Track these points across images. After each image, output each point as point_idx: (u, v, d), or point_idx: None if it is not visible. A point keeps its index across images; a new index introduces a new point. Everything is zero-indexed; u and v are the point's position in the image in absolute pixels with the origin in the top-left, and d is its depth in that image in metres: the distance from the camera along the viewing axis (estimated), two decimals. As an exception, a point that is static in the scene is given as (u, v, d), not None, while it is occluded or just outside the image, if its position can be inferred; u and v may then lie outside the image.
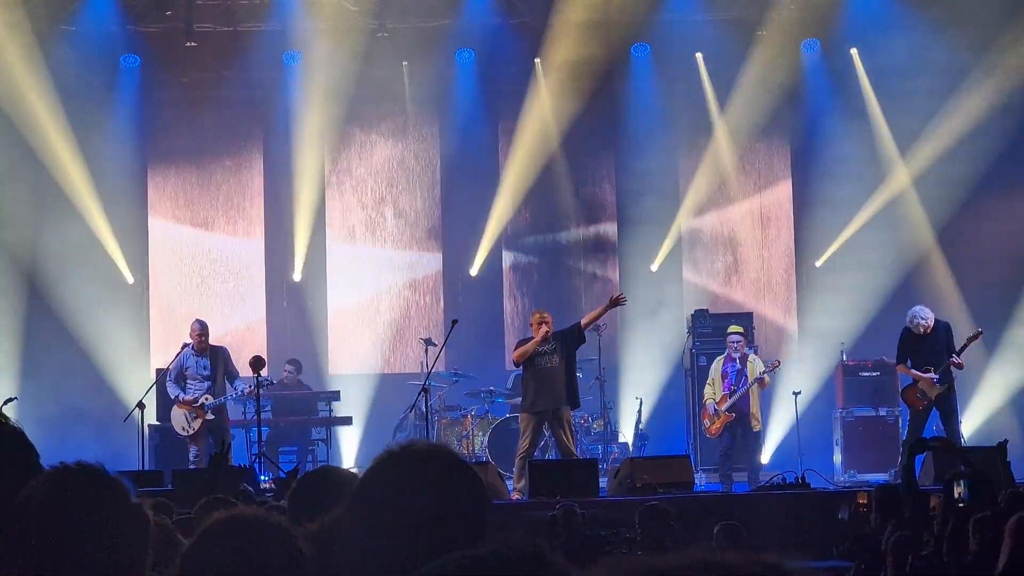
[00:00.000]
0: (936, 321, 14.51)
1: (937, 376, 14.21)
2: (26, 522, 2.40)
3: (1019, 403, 17.29)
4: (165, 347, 17.50)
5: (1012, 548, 5.06)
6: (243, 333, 18.29)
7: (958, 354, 14.30)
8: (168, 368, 15.03)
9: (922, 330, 14.35)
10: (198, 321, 15.15)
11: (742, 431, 15.19)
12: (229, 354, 15.10)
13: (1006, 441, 12.85)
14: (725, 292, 18.72)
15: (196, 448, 14.72)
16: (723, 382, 15.28)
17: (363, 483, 2.52)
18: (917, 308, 14.59)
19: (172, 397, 14.86)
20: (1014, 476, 10.44)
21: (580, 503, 10.45)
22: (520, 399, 14.89)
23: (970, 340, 14.50)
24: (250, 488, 9.80)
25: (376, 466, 2.53)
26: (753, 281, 18.82)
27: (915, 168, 17.97)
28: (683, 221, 18.80)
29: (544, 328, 14.02)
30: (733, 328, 15.61)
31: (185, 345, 15.03)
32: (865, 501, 9.50)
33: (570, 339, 14.09)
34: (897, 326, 15.29)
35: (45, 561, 2.35)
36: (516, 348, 14.45)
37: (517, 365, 14.51)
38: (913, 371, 14.32)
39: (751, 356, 15.46)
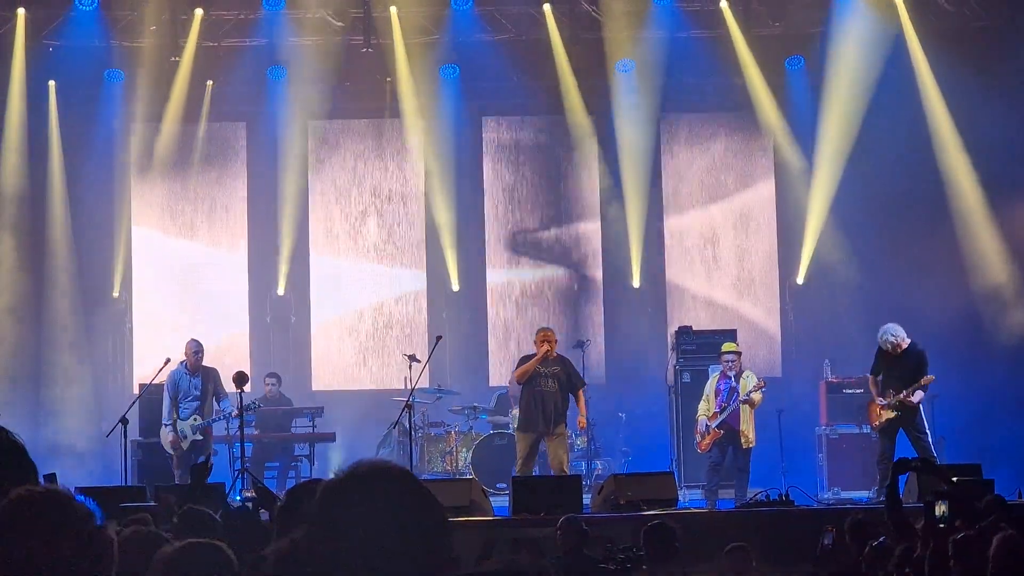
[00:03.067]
0: (911, 344, 14.45)
1: (886, 402, 14.25)
2: None
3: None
4: (148, 361, 17.45)
5: (995, 569, 5.05)
6: (226, 348, 18.23)
7: (911, 392, 14.20)
8: (162, 384, 15.18)
9: (890, 347, 14.33)
10: (194, 340, 15.41)
11: (732, 448, 15.09)
12: (219, 375, 15.25)
13: (979, 465, 12.93)
14: (709, 310, 18.73)
15: (180, 470, 14.82)
16: (716, 399, 15.21)
17: (318, 509, 2.43)
18: (889, 325, 14.46)
19: (165, 422, 15.05)
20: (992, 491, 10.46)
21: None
22: (502, 416, 14.93)
23: (924, 383, 14.25)
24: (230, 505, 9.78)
25: (327, 490, 2.44)
26: (736, 298, 18.83)
27: (903, 182, 18.02)
28: (668, 235, 18.86)
29: (546, 346, 14.08)
30: (727, 346, 15.48)
31: (170, 361, 15.10)
32: (833, 530, 9.53)
33: (572, 379, 14.31)
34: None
35: None
36: (517, 366, 14.46)
37: (520, 383, 14.49)
38: (874, 392, 14.49)
39: (745, 373, 15.32)
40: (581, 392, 14.44)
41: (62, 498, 2.45)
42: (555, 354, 14.26)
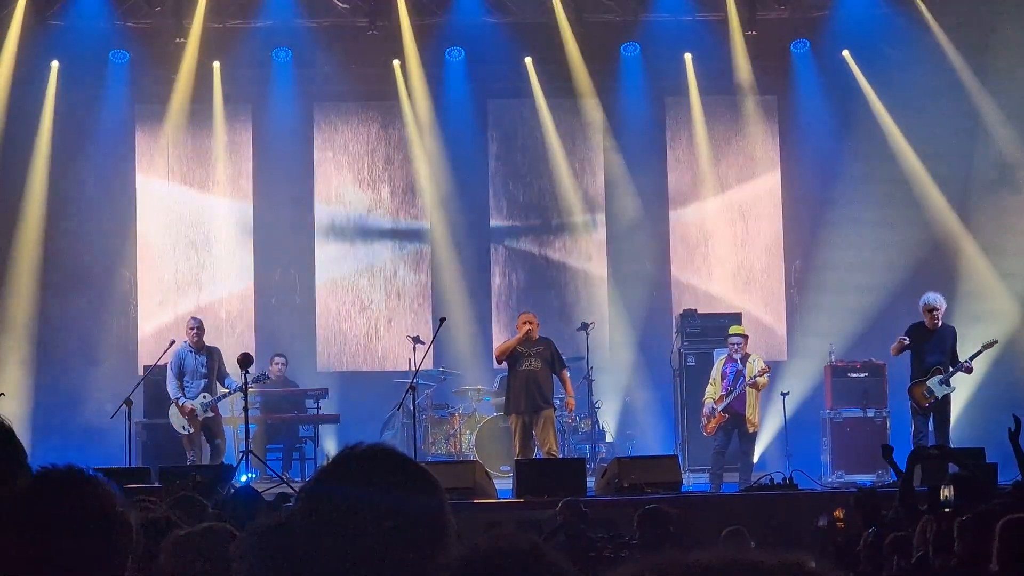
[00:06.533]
0: (943, 323, 14.49)
1: (941, 378, 14.22)
2: (6, 526, 2.32)
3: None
4: (152, 343, 17.47)
5: (1000, 550, 5.04)
6: (231, 330, 18.24)
7: (971, 359, 14.32)
8: (167, 364, 15.18)
9: (929, 316, 14.27)
10: (194, 318, 15.51)
11: (737, 432, 15.08)
12: (222, 355, 15.28)
13: (982, 448, 12.92)
14: (714, 291, 18.71)
15: (193, 450, 14.87)
16: (722, 382, 15.20)
17: (310, 490, 2.38)
18: (930, 293, 14.54)
19: (172, 398, 15.02)
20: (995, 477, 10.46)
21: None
22: (504, 399, 14.97)
23: (985, 347, 14.51)
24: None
25: (323, 471, 2.40)
26: (741, 281, 18.81)
27: (907, 168, 18.00)
28: (672, 220, 18.84)
29: (527, 327, 14.25)
30: (734, 329, 15.49)
31: (175, 343, 15.13)
32: (842, 515, 9.54)
33: (555, 360, 14.42)
34: (887, 327, 15.29)
35: (24, 566, 2.27)
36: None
37: (499, 362, 14.69)
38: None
39: (752, 357, 15.30)
40: (565, 373, 14.55)
41: (84, 480, 2.37)
42: (538, 336, 14.48)
